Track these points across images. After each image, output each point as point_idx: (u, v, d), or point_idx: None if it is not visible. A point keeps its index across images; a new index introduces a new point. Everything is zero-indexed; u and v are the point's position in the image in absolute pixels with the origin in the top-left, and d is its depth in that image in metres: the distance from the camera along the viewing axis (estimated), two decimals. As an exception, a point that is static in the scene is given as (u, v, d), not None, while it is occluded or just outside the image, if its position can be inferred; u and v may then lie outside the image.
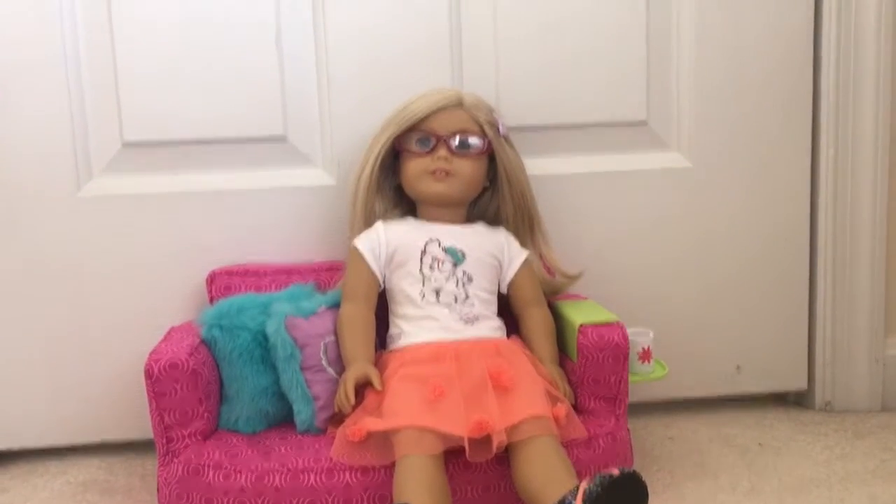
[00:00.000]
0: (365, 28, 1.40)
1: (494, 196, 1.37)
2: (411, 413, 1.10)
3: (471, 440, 1.09)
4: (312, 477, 1.11)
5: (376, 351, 1.27)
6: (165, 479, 1.14)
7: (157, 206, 1.40)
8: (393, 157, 1.34)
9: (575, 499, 0.95)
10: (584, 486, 0.95)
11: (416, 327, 1.26)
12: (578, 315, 1.28)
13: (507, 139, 1.34)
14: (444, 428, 1.08)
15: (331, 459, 1.12)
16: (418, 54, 1.42)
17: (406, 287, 1.28)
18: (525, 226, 1.37)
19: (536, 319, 1.32)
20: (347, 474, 1.11)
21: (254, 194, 1.41)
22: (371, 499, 1.10)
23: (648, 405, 1.55)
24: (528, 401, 1.13)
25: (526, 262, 1.34)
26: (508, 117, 1.38)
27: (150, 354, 1.17)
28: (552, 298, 1.37)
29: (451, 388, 1.14)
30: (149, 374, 1.15)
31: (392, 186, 1.37)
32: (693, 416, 1.53)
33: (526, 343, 1.30)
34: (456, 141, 1.30)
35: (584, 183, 1.47)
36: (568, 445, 1.14)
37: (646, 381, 1.32)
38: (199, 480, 1.12)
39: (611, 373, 1.23)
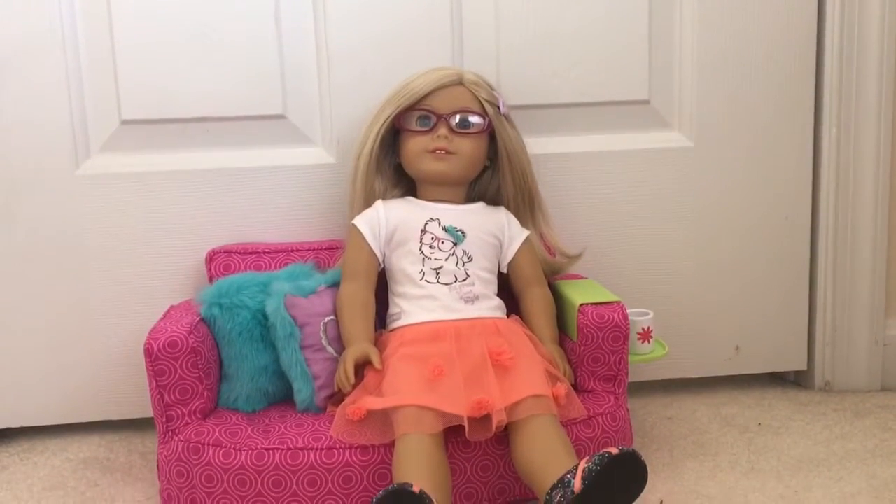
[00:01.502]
0: (365, 2, 1.39)
1: (495, 175, 1.37)
2: (411, 392, 1.10)
3: (470, 419, 1.09)
4: (312, 455, 1.11)
5: (376, 330, 1.27)
6: (165, 457, 1.15)
7: (156, 184, 1.39)
8: (393, 136, 1.34)
9: (574, 478, 0.95)
10: (583, 465, 0.95)
11: (415, 307, 1.25)
12: (578, 295, 1.28)
13: (507, 118, 1.33)
14: (443, 407, 1.08)
15: (330, 438, 1.12)
16: (418, 29, 1.40)
17: (406, 266, 1.27)
18: (526, 205, 1.36)
19: (537, 299, 1.31)
20: (347, 453, 1.11)
21: (253, 173, 1.41)
22: (371, 477, 1.11)
23: (648, 385, 1.55)
24: (527, 380, 1.13)
25: (527, 242, 1.33)
26: (509, 95, 1.36)
27: (150, 333, 1.17)
28: (552, 278, 1.37)
29: (451, 367, 1.14)
30: (148, 352, 1.15)
31: (392, 165, 1.36)
32: (692, 396, 1.54)
33: (526, 323, 1.29)
34: (456, 119, 1.29)
35: (586, 162, 1.47)
36: (567, 425, 1.15)
37: (645, 360, 1.32)
38: (199, 458, 1.12)
39: (611, 352, 1.23)
